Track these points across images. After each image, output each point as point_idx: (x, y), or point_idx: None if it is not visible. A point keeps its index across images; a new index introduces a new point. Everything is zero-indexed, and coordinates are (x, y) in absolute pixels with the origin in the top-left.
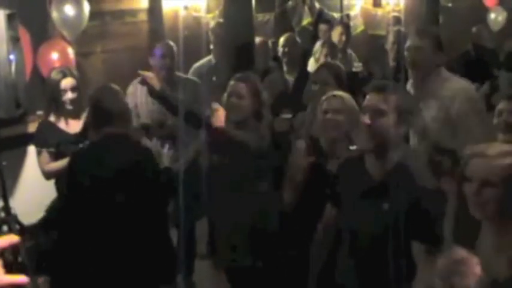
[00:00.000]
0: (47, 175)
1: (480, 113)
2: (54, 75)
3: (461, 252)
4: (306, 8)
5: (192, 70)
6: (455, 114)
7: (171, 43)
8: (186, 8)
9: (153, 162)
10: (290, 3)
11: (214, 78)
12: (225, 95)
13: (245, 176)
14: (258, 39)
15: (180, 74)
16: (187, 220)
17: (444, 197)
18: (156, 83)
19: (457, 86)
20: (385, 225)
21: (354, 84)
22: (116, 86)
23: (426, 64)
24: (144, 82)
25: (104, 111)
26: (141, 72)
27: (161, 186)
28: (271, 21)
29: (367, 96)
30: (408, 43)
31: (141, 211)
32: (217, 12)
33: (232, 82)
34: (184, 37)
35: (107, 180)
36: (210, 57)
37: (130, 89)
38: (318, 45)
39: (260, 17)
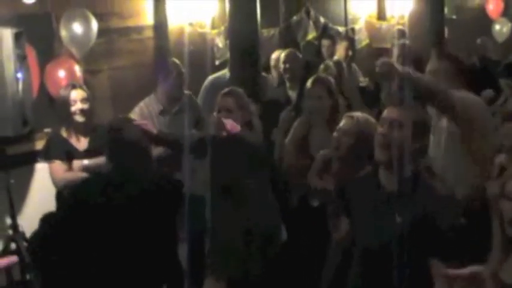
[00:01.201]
0: (59, 184)
1: (487, 121)
2: (63, 89)
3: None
4: (311, 22)
5: (207, 82)
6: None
7: (177, 61)
8: (191, 24)
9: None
10: (295, 17)
11: None
12: (214, 113)
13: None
14: (274, 54)
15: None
16: (194, 233)
17: (459, 210)
18: (151, 129)
19: (469, 97)
20: (398, 237)
21: (362, 99)
22: (131, 118)
23: (448, 86)
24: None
25: (121, 142)
26: (136, 121)
27: (169, 206)
28: (276, 36)
29: (386, 109)
30: (429, 67)
31: (150, 229)
32: (222, 28)
33: (219, 98)
34: (190, 53)
35: (118, 204)
36: (225, 70)
37: (136, 111)
38: (321, 67)
39: (265, 32)
